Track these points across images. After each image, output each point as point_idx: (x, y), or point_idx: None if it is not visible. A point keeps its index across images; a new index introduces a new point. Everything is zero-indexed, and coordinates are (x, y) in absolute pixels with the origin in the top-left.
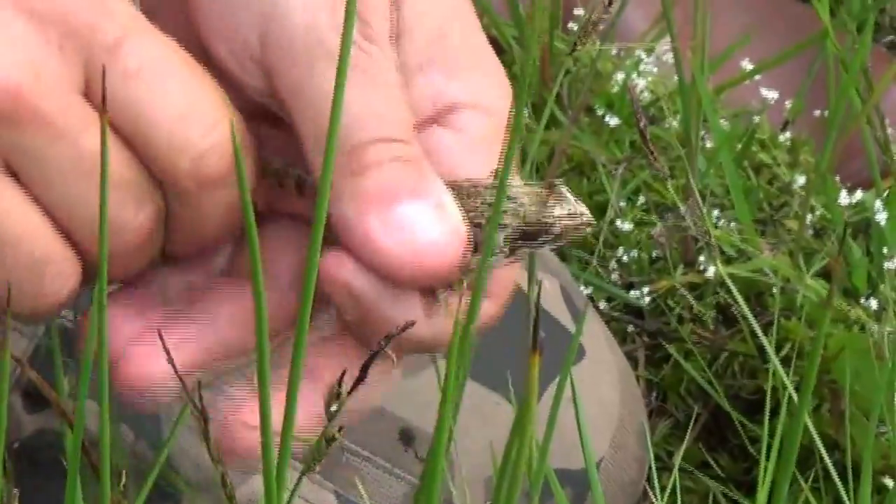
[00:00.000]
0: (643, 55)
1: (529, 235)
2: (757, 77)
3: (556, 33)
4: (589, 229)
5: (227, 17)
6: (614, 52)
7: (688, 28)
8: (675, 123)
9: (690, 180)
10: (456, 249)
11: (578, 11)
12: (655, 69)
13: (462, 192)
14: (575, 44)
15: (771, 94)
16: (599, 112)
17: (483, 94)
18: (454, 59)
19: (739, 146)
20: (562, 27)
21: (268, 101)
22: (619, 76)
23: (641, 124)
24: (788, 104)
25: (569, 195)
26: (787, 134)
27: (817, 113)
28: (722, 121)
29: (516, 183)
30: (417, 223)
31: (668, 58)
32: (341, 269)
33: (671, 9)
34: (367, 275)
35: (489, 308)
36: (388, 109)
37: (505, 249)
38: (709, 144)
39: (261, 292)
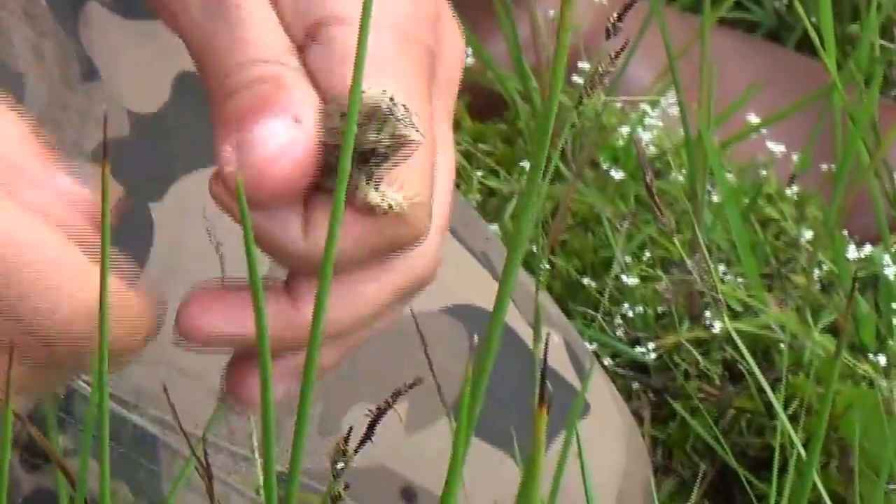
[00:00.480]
0: (648, 108)
1: (361, 156)
2: (763, 130)
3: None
4: (413, 147)
5: None
6: (619, 105)
7: (694, 81)
8: (680, 177)
9: (697, 235)
10: (292, 162)
11: (583, 65)
12: (660, 122)
13: (329, 110)
14: (581, 97)
15: (778, 149)
16: (604, 166)
17: (349, 6)
18: None
19: (746, 200)
20: (566, 81)
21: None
22: (624, 130)
23: (648, 179)
24: (795, 157)
25: (395, 114)
26: (794, 188)
27: (825, 167)
28: (728, 174)
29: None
30: (262, 142)
31: (674, 110)
32: (220, 192)
33: (677, 62)
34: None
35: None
36: (252, 33)
37: (365, 169)
38: (715, 198)
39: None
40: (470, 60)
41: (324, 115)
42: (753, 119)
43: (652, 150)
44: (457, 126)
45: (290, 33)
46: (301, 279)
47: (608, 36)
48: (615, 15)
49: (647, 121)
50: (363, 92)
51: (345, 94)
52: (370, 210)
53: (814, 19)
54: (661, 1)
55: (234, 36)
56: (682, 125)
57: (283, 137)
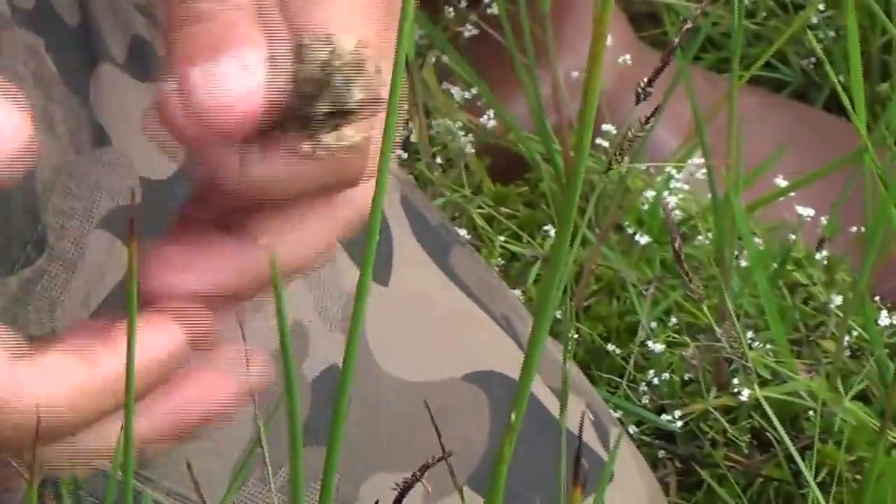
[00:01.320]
0: (674, 172)
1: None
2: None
3: None
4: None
5: None
6: (643, 167)
7: (719, 142)
8: (707, 241)
9: (725, 300)
10: (252, 105)
11: (607, 127)
12: (686, 185)
13: (301, 48)
14: (610, 163)
15: (806, 212)
16: (629, 229)
17: None
18: None
19: (774, 265)
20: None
21: None
22: (649, 193)
23: (676, 246)
24: (824, 219)
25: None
26: (823, 251)
27: (854, 229)
28: (755, 238)
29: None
30: (229, 77)
31: (700, 173)
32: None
33: (704, 125)
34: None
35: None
36: None
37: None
38: (742, 262)
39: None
40: (491, 122)
41: (295, 55)
42: (781, 181)
43: (677, 213)
44: (478, 189)
45: None
46: (247, 218)
47: (638, 101)
48: (646, 80)
49: (673, 184)
50: (332, 37)
51: (316, 34)
52: (326, 154)
53: (842, 78)
54: (688, 63)
55: None
56: (710, 190)
57: (243, 80)
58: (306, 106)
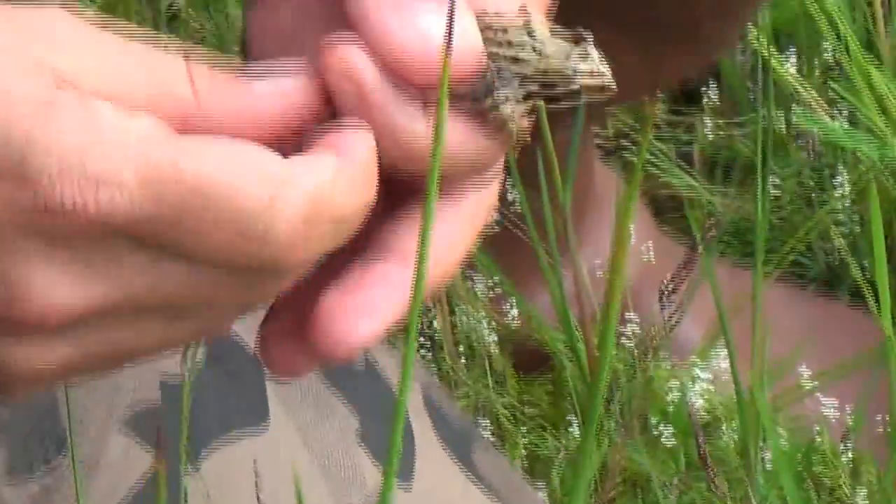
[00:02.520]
0: (699, 370)
1: (547, 85)
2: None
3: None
4: (610, 93)
5: None
6: (668, 364)
7: (743, 336)
8: (731, 435)
9: (750, 498)
10: (469, 62)
11: (630, 315)
12: (711, 377)
13: (486, 24)
14: (634, 367)
15: (831, 410)
16: (653, 421)
17: None
18: None
19: (799, 460)
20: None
21: None
22: (674, 387)
23: (701, 447)
24: (848, 410)
25: (594, 52)
26: (849, 444)
27: (878, 418)
28: (780, 431)
29: (541, 29)
30: (436, 30)
31: (724, 366)
32: (353, 59)
33: (729, 323)
34: (377, 71)
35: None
36: None
37: (519, 92)
38: (767, 455)
39: None
40: (514, 314)
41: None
42: (805, 373)
43: (702, 409)
44: (501, 377)
45: None
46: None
47: (662, 304)
48: (668, 282)
49: (697, 380)
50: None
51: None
52: (499, 128)
53: (868, 264)
54: (712, 259)
55: None
56: (735, 387)
57: (464, 40)
58: (541, 92)
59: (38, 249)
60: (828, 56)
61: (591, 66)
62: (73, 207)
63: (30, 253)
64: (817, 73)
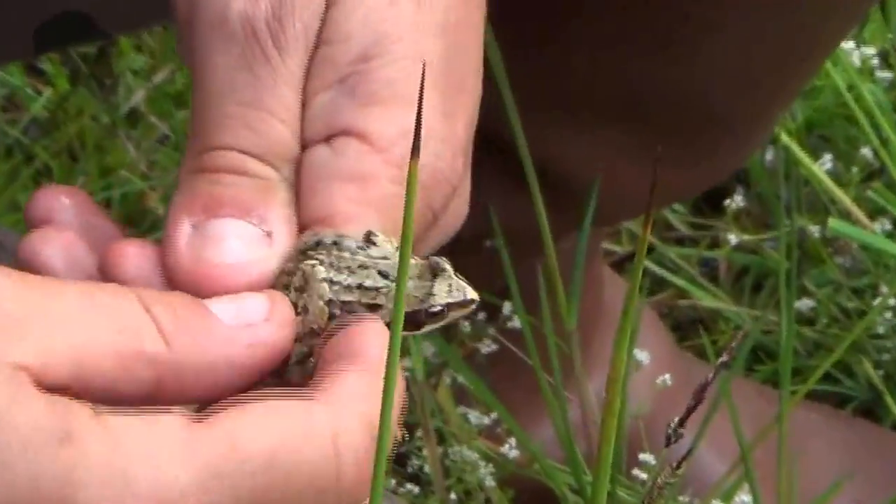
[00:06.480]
0: None
1: (411, 318)
2: None
3: (618, 479)
4: (473, 307)
5: None
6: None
7: (773, 467)
8: None
9: None
10: (250, 282)
11: (644, 457)
12: None
13: (301, 245)
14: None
15: None
16: None
17: (379, 129)
18: (372, 84)
19: None
20: (626, 472)
21: None
22: None
23: None
24: None
25: (449, 268)
26: None
27: None
28: None
29: (386, 251)
30: (228, 243)
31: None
32: (133, 258)
33: (750, 453)
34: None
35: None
36: (261, 124)
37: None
38: None
39: None
40: (513, 451)
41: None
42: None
43: None
44: None
45: (310, 126)
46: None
47: (668, 444)
48: (677, 420)
49: None
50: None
51: (326, 223)
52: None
53: None
54: (731, 378)
55: (244, 116)
56: None
57: (256, 254)
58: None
59: None
60: (868, 157)
61: (448, 285)
62: None
63: None
64: (856, 176)
